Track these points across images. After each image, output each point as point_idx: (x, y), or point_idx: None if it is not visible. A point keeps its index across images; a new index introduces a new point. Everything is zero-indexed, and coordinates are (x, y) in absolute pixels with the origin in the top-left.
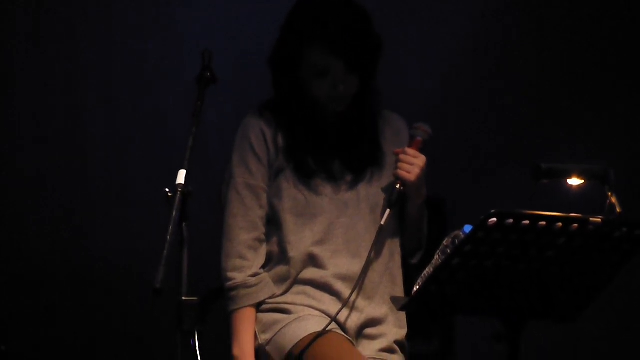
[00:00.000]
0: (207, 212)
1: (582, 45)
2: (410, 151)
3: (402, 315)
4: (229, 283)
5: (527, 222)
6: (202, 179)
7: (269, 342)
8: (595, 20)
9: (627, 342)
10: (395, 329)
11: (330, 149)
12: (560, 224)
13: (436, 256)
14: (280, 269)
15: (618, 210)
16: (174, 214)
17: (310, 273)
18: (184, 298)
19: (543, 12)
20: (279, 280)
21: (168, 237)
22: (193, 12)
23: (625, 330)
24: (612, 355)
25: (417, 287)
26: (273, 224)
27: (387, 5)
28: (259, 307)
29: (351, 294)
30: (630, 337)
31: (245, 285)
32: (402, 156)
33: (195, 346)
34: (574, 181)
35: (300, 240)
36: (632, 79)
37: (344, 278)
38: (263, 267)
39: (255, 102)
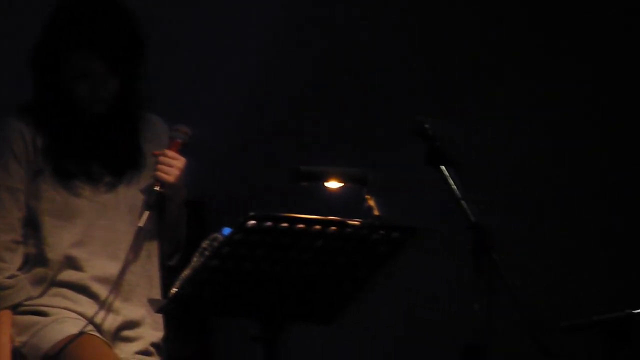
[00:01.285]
0: None
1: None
2: (170, 153)
3: (159, 317)
4: None
5: (285, 224)
6: None
7: (25, 344)
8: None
9: (384, 344)
10: (152, 331)
11: (89, 151)
12: (318, 227)
13: (194, 258)
14: (38, 271)
15: (376, 213)
16: None
17: (67, 275)
18: None
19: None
20: (36, 282)
21: None
22: None
23: (382, 330)
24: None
25: (175, 289)
26: (31, 225)
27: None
28: (15, 309)
29: (108, 296)
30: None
31: (1, 287)
32: (161, 158)
33: None
34: (333, 184)
35: (58, 242)
36: (391, 84)
37: (101, 280)
38: (20, 269)
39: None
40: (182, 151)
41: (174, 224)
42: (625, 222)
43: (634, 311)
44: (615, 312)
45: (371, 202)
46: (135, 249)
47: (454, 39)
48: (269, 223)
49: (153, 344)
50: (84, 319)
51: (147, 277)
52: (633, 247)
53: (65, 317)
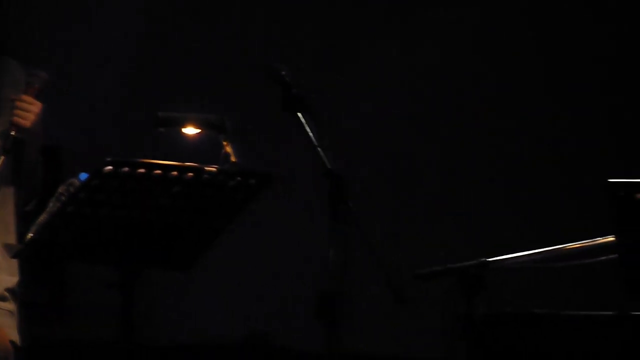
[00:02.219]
0: None
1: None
2: (27, 98)
3: (14, 262)
4: None
5: (142, 170)
6: None
7: None
8: None
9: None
10: (6, 276)
11: None
12: (175, 173)
13: (51, 203)
14: None
15: (233, 159)
16: None
17: None
18: None
19: None
20: None
21: None
22: None
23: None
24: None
25: (31, 234)
26: None
27: None
28: None
29: None
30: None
31: None
32: (18, 103)
33: None
34: (190, 130)
35: None
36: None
37: None
38: None
39: None
40: (38, 96)
41: (30, 170)
42: (481, 173)
43: (487, 259)
44: (470, 260)
45: (228, 149)
46: None
47: None
48: (126, 169)
49: (8, 290)
50: None
51: (2, 222)
52: (490, 199)
53: None
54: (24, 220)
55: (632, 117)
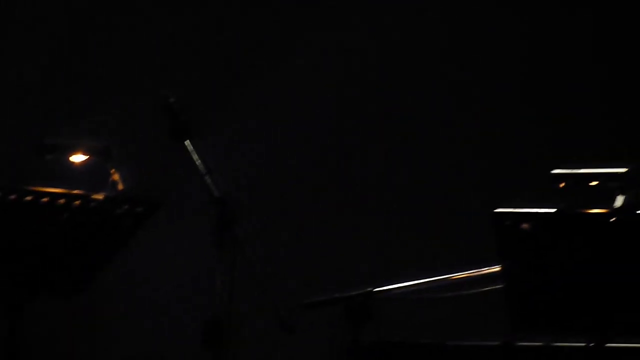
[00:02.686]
0: None
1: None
2: None
3: None
4: None
5: (29, 197)
6: None
7: None
8: None
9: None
10: None
11: None
12: (62, 200)
13: None
14: None
15: (120, 187)
16: None
17: None
18: None
19: None
20: None
21: None
22: None
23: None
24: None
25: None
26: None
27: None
28: None
29: None
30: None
31: None
32: None
33: None
34: (78, 157)
35: None
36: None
37: None
38: None
39: None
40: None
41: None
42: (370, 201)
43: (374, 288)
44: (357, 290)
45: (116, 176)
46: None
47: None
48: (13, 196)
49: None
50: None
51: None
52: (377, 228)
53: None
54: None
55: (511, 145)
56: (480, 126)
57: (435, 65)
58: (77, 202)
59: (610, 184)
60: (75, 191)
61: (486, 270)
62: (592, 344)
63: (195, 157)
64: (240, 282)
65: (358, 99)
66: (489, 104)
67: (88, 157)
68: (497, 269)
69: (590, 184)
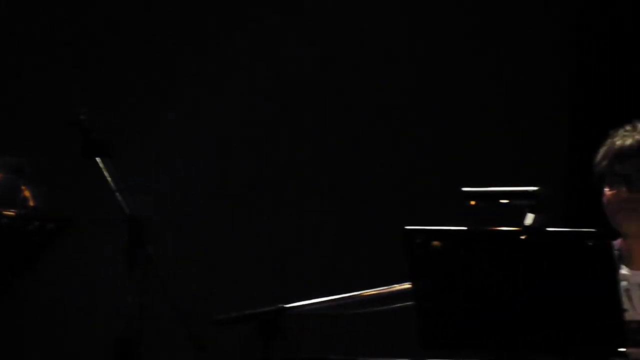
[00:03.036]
0: None
1: None
2: None
3: None
4: None
5: None
6: None
7: None
8: None
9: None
10: None
11: None
12: None
13: None
14: None
15: (31, 203)
16: None
17: None
18: None
19: None
20: None
21: None
22: None
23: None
24: None
25: None
26: None
27: None
28: None
29: None
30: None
31: None
32: None
33: None
34: None
35: None
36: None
37: None
38: None
39: None
40: None
41: None
42: (281, 220)
43: (285, 305)
44: (268, 306)
45: (27, 193)
46: None
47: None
48: None
49: None
50: None
51: None
52: (288, 244)
53: None
54: None
55: (423, 163)
56: (392, 144)
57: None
58: None
59: (521, 203)
60: None
61: (398, 287)
62: None
63: (106, 174)
64: (152, 300)
65: (281, 113)
66: (401, 119)
67: (1, 175)
68: (408, 286)
69: (501, 201)
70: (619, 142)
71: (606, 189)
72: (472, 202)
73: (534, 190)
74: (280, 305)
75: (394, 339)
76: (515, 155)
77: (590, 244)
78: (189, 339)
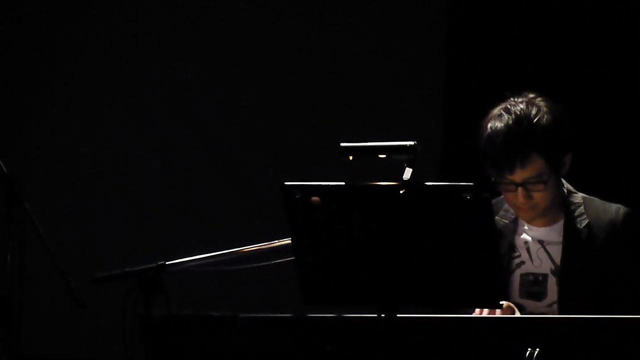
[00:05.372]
0: None
1: None
2: None
3: None
4: None
5: None
6: None
7: None
8: None
9: None
10: None
11: None
12: None
13: None
14: None
15: None
16: None
17: None
18: None
19: None
20: None
21: None
22: None
23: None
24: None
25: None
26: None
27: None
28: None
29: None
30: None
31: None
32: None
33: None
34: None
35: None
36: None
37: None
38: None
39: None
40: None
41: None
42: (162, 176)
43: (165, 262)
44: (148, 263)
45: None
46: None
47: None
48: None
49: None
50: None
51: None
52: (169, 201)
53: None
54: None
55: (301, 120)
56: (270, 103)
57: None
58: None
59: (399, 157)
60: None
61: (278, 242)
62: (383, 315)
63: None
64: (31, 258)
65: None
66: (281, 77)
67: None
68: (288, 241)
69: (379, 156)
70: (500, 140)
71: (502, 190)
72: (350, 157)
73: (411, 145)
74: (161, 262)
75: (275, 294)
76: (392, 110)
77: (468, 197)
78: (69, 296)
